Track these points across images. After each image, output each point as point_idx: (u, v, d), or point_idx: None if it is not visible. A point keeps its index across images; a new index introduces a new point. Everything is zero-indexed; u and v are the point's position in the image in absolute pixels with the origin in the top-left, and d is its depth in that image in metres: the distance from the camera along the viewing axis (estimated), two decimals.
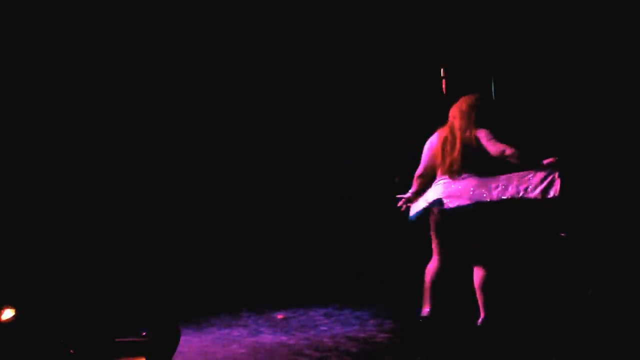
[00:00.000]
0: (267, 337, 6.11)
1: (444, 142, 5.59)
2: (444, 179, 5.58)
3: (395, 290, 7.86)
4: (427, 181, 5.73)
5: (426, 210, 5.62)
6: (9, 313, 4.72)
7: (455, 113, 5.69)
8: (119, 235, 8.29)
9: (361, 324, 6.53)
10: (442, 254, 5.65)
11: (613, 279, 6.67)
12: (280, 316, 6.76)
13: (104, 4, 8.18)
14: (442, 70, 8.29)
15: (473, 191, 5.41)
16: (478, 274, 5.57)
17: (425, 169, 5.76)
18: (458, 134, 5.55)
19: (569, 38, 7.68)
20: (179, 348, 4.99)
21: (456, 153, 5.51)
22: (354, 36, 8.61)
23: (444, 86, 8.17)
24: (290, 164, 8.95)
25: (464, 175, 5.50)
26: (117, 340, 4.71)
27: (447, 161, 5.54)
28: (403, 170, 7.19)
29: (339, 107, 8.82)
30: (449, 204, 5.43)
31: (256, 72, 8.79)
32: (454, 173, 5.52)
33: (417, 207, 5.71)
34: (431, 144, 5.75)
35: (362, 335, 6.09)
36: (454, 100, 5.96)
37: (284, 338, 6.06)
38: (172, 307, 6.91)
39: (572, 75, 7.68)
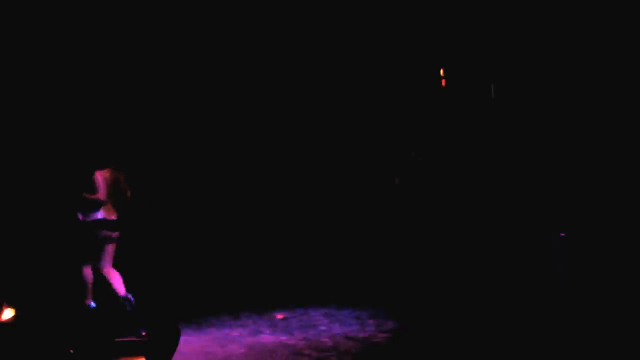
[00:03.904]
0: (267, 337, 6.11)
1: (115, 183, 7.03)
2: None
3: (394, 291, 7.87)
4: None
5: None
6: (9, 313, 4.73)
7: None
8: (118, 235, 8.28)
9: (361, 324, 6.52)
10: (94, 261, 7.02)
11: (613, 279, 6.68)
12: (280, 316, 6.76)
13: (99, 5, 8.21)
14: (441, 70, 8.30)
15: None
16: (115, 273, 6.90)
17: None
18: (122, 179, 7.08)
19: (568, 39, 7.69)
20: (179, 348, 5.00)
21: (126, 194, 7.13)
22: (353, 37, 8.62)
23: (443, 86, 8.18)
24: (290, 165, 8.95)
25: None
26: (117, 340, 4.71)
27: (117, 198, 7.05)
28: (402, 171, 7.19)
29: (338, 107, 8.82)
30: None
31: (254, 73, 8.80)
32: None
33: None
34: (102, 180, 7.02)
35: (361, 335, 6.09)
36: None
37: (284, 338, 6.07)
38: (172, 307, 6.91)
39: (571, 76, 7.68)
